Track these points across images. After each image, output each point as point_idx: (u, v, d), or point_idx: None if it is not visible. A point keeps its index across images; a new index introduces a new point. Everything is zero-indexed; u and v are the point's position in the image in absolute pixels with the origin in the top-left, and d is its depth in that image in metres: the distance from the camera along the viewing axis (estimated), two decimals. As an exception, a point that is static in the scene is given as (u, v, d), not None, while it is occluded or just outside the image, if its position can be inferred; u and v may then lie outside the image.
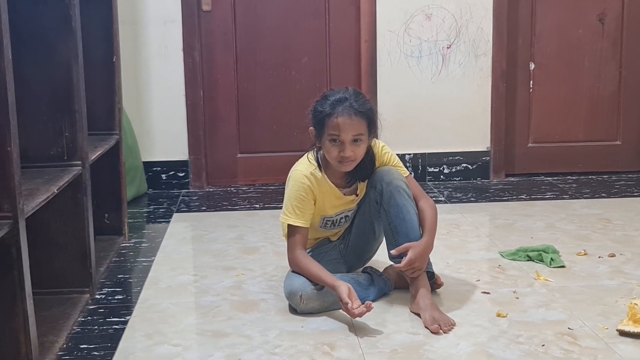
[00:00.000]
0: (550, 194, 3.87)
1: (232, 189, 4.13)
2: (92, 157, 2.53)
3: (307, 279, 2.21)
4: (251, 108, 4.18)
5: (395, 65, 4.12)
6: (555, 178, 4.23)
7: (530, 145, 4.34)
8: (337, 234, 2.44)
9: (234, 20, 4.08)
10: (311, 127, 2.26)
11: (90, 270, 2.39)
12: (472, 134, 4.22)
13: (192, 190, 4.11)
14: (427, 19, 4.07)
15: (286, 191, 2.30)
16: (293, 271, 2.28)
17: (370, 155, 2.30)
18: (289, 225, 2.27)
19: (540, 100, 4.29)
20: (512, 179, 4.25)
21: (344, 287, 2.10)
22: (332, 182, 2.28)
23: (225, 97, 4.15)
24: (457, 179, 4.24)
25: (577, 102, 4.30)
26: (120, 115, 3.07)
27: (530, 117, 4.31)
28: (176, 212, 3.61)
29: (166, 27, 3.97)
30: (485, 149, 4.23)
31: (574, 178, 4.23)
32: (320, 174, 2.27)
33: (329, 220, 2.35)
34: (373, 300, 2.26)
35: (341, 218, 2.36)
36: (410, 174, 2.51)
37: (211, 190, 4.12)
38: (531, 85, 4.28)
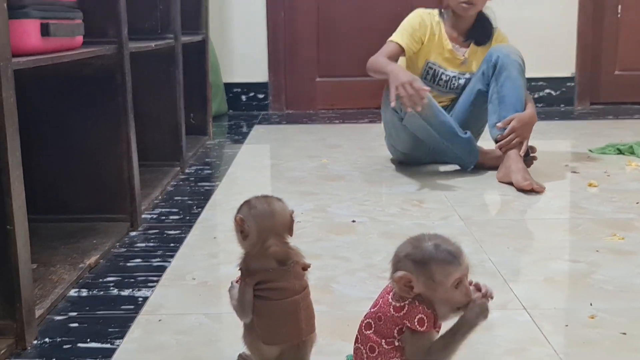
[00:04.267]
0: (638, 115, 3.75)
1: (311, 111, 4.16)
2: (183, 39, 2.58)
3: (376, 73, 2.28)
4: (331, 32, 4.19)
5: (478, -13, 4.05)
6: (642, 106, 4.11)
7: (617, 72, 4.21)
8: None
9: (316, -58, 4.08)
10: None
11: (181, 143, 2.45)
12: (557, 59, 4.12)
13: (271, 112, 4.16)
14: (512, -62, 3.99)
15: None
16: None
17: (488, 18, 2.40)
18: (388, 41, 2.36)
19: (628, 26, 4.15)
20: (598, 106, 4.13)
21: (404, 73, 2.12)
22: (447, 33, 2.36)
23: (305, 20, 4.17)
24: (540, 105, 4.15)
25: (667, 29, 4.15)
26: (207, 14, 3.12)
27: (618, 44, 4.18)
28: (257, 124, 3.66)
29: (250, -52, 4.01)
30: (570, 75, 4.13)
31: (663, 106, 4.10)
32: (437, 18, 2.37)
33: (431, 69, 2.38)
34: (458, 154, 2.32)
35: (442, 74, 2.38)
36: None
37: (290, 112, 4.15)
38: (619, 11, 4.14)
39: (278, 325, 0.94)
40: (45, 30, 1.31)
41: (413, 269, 0.85)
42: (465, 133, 2.32)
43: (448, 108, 2.44)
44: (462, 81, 2.42)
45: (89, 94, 1.72)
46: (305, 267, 0.98)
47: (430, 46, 2.36)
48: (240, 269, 0.98)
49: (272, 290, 0.95)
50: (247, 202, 0.98)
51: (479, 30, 2.39)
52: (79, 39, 1.52)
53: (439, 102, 2.41)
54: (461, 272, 0.85)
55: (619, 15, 4.14)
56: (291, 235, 1.00)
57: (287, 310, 0.94)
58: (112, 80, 1.72)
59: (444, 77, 2.38)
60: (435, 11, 2.40)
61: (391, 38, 2.35)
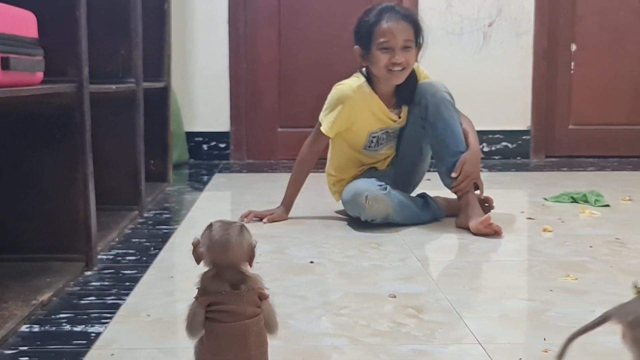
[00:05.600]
0: (592, 167, 3.85)
1: (272, 161, 4.17)
2: (145, 85, 2.59)
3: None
4: (292, 83, 4.24)
5: (437, 43, 4.14)
6: (596, 160, 4.21)
7: (571, 127, 4.32)
8: (384, 160, 2.44)
9: (279, -5, 4.17)
10: (356, 46, 2.28)
11: (140, 187, 2.43)
12: (513, 112, 4.23)
13: (232, 161, 4.16)
14: (469, -4, 4.13)
15: (327, 100, 2.34)
16: (354, 179, 2.33)
17: (414, 77, 2.32)
18: (319, 124, 2.34)
19: (582, 82, 4.28)
20: (553, 159, 4.22)
21: (279, 211, 2.36)
22: (381, 99, 2.30)
23: (267, 72, 4.22)
24: (497, 157, 4.24)
25: (619, 85, 4.29)
26: (169, 62, 3.15)
27: (571, 98, 4.30)
28: (218, 173, 3.66)
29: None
30: (526, 128, 4.23)
31: (616, 159, 4.20)
32: (368, 88, 2.28)
33: (375, 137, 2.35)
34: (426, 222, 2.27)
35: (384, 134, 2.35)
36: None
37: (251, 161, 4.16)
38: (572, 67, 4.28)
39: (226, 349, 0.93)
40: (5, 64, 1.31)
41: None
42: (425, 200, 2.32)
43: (392, 160, 2.44)
44: (400, 130, 2.39)
45: (47, 133, 1.72)
46: (262, 296, 0.98)
47: (369, 117, 2.29)
48: (197, 288, 0.98)
49: (222, 313, 0.95)
50: (209, 227, 0.98)
51: (404, 90, 2.30)
52: (39, 75, 1.53)
53: (384, 160, 2.41)
54: None
55: (572, 72, 4.28)
56: (251, 266, 0.99)
57: (235, 334, 0.94)
58: (70, 119, 1.72)
59: (385, 136, 2.36)
60: (362, 80, 2.28)
61: (321, 119, 2.32)
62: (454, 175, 2.22)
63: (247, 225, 1.03)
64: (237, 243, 0.97)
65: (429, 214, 2.32)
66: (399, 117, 2.35)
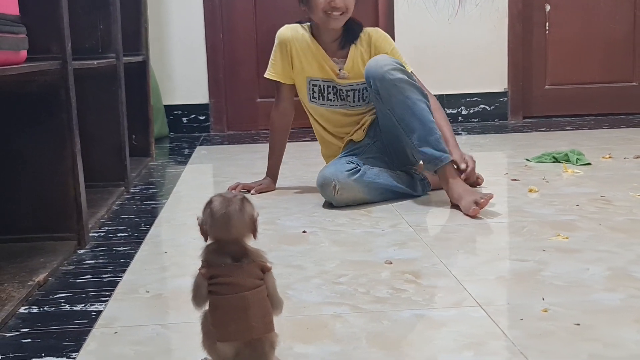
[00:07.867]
0: (569, 127, 3.89)
1: (252, 131, 4.16)
2: (124, 59, 2.56)
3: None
4: (270, 52, 4.19)
5: (413, 7, 4.15)
6: (573, 119, 4.25)
7: (547, 87, 4.35)
8: (358, 128, 2.29)
9: (252, -37, 4.12)
10: None
11: (125, 163, 2.42)
12: (490, 75, 4.25)
13: (213, 133, 4.14)
14: (443, -41, 4.11)
15: None
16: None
17: (356, 21, 2.26)
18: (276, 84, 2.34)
19: (556, 42, 4.30)
20: (531, 120, 4.26)
21: (266, 182, 2.36)
22: (319, 44, 2.25)
23: (244, 42, 4.18)
24: (475, 120, 4.26)
25: (593, 44, 4.32)
26: (147, 35, 3.10)
27: (547, 59, 4.33)
28: (199, 145, 3.64)
29: (186, -30, 4.02)
30: (503, 90, 4.25)
31: (592, 118, 4.25)
32: (302, 31, 2.26)
33: (315, 85, 2.27)
34: (419, 195, 2.21)
35: (329, 87, 2.26)
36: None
37: (231, 133, 4.14)
38: (547, 27, 4.30)
39: (227, 321, 0.94)
40: (-11, 43, 1.29)
41: None
42: (410, 176, 2.22)
43: (375, 123, 2.29)
44: (355, 92, 2.28)
45: (33, 112, 1.70)
46: (264, 269, 0.99)
47: (305, 61, 2.25)
48: (201, 260, 0.99)
49: (221, 285, 0.96)
50: (209, 204, 0.97)
51: (346, 36, 2.25)
52: (23, 53, 1.50)
53: (357, 128, 2.29)
54: None
55: (547, 32, 4.29)
56: (255, 238, 1.00)
57: (235, 305, 0.94)
58: (56, 97, 1.69)
59: (332, 90, 2.28)
60: (299, 26, 2.29)
61: (266, 73, 2.32)
62: (463, 167, 2.15)
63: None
64: (239, 218, 0.97)
65: (414, 189, 2.22)
66: (339, 71, 2.25)
